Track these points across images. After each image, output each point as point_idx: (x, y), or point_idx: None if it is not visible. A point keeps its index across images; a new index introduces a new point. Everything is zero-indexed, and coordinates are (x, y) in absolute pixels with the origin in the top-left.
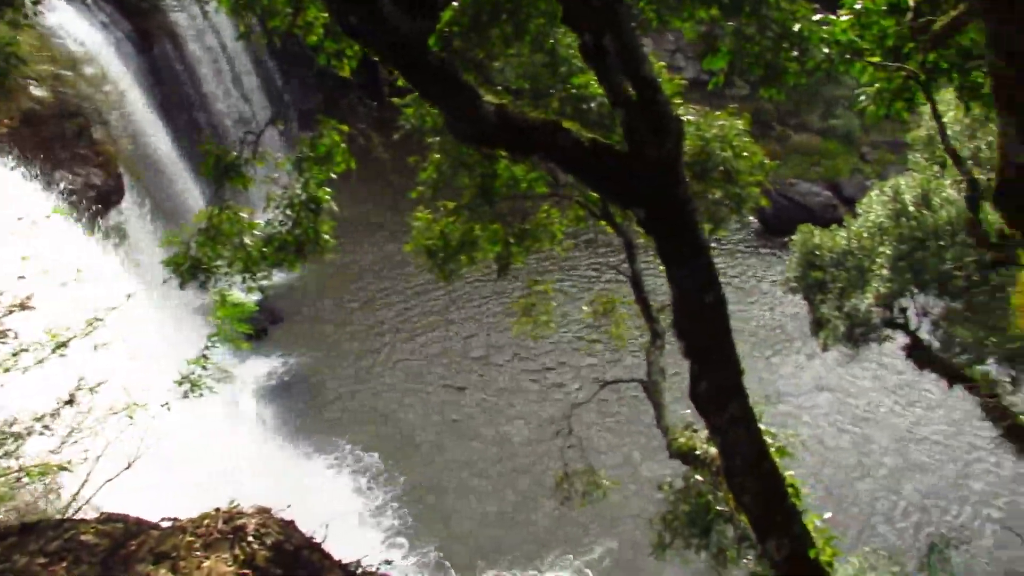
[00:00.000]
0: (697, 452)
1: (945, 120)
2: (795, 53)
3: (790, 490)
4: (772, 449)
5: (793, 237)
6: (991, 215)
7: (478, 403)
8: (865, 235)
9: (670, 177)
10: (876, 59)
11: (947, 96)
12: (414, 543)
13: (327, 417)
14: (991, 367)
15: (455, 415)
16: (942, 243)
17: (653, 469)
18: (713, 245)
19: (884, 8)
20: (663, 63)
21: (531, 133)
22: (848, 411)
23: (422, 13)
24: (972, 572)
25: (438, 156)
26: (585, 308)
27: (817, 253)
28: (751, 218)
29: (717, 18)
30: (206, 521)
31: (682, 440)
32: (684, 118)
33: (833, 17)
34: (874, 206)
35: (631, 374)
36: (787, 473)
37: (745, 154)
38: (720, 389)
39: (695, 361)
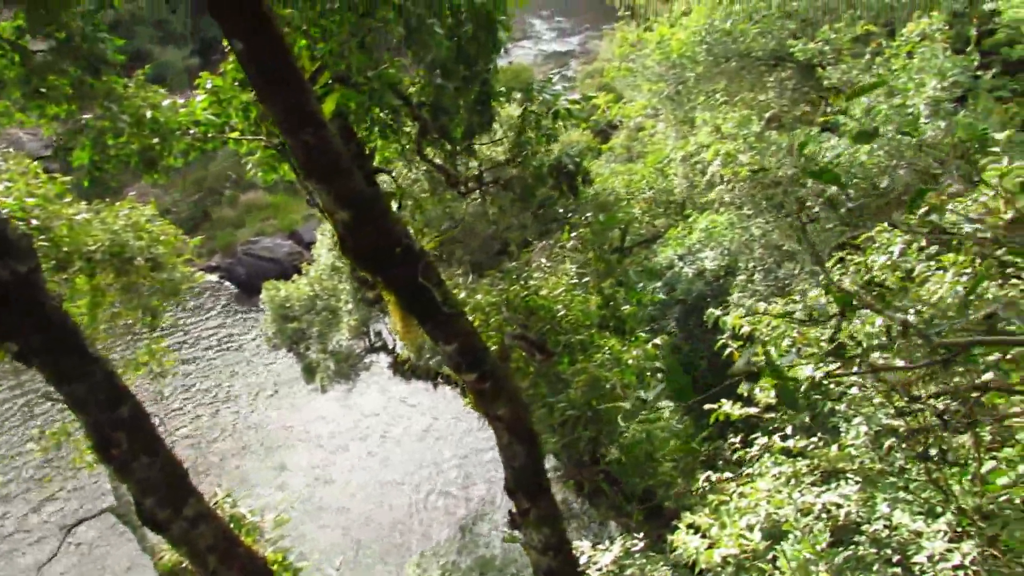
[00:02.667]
0: (184, 563)
1: None
2: (156, 140)
3: (275, 566)
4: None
5: (262, 296)
6: None
7: None
8: (324, 277)
9: (33, 298)
10: (236, 134)
11: None
12: None
13: None
14: None
15: None
16: None
17: None
18: (195, 320)
19: (236, 84)
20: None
21: None
22: (369, 435)
23: None
24: (496, 536)
25: None
26: (33, 447)
27: (288, 305)
28: (226, 283)
29: (73, 113)
30: None
31: (167, 557)
32: (79, 216)
33: (181, 101)
34: (323, 249)
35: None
36: (269, 551)
37: (164, 237)
38: (167, 498)
39: (126, 479)
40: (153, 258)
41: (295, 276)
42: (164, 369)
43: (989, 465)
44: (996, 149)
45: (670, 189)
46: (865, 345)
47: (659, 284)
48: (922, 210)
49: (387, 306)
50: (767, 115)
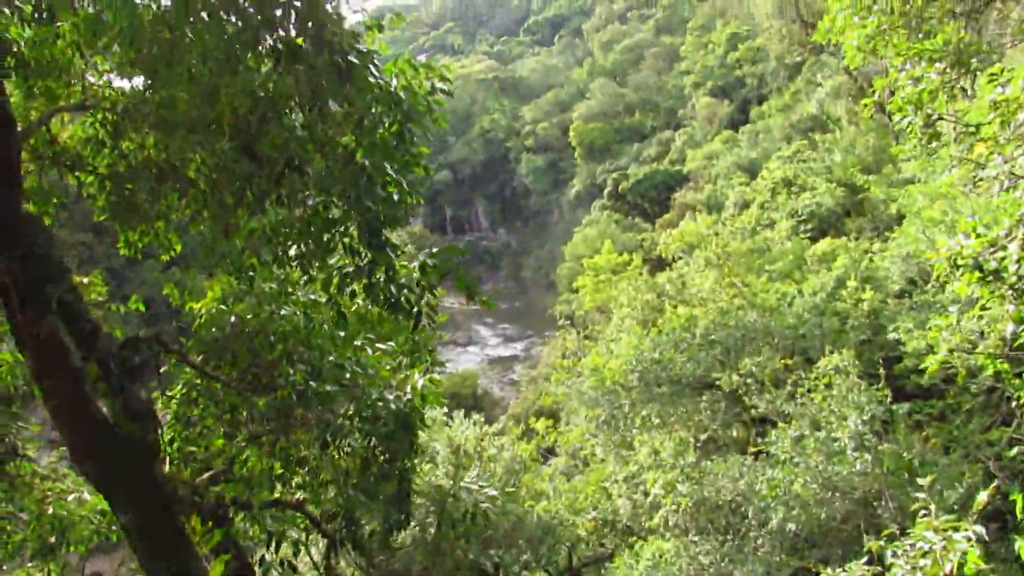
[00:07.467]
0: None
1: None
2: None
3: None
4: None
5: None
6: None
7: None
8: None
9: None
10: None
11: None
12: None
13: None
14: None
15: None
16: None
17: None
18: None
19: None
20: None
21: None
22: None
23: None
24: None
25: None
26: None
27: None
28: None
29: None
30: None
31: None
32: None
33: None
34: None
35: None
36: None
37: None
38: None
39: None
40: None
41: None
42: None
43: None
44: (922, 495)
45: (615, 509)
46: None
47: None
48: (864, 559)
49: None
50: (703, 436)
